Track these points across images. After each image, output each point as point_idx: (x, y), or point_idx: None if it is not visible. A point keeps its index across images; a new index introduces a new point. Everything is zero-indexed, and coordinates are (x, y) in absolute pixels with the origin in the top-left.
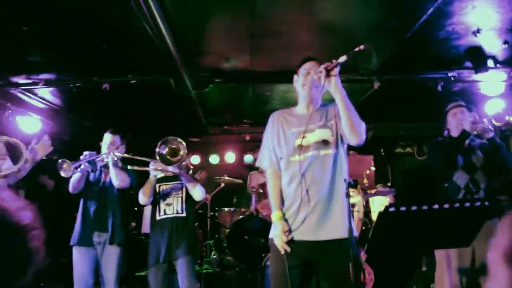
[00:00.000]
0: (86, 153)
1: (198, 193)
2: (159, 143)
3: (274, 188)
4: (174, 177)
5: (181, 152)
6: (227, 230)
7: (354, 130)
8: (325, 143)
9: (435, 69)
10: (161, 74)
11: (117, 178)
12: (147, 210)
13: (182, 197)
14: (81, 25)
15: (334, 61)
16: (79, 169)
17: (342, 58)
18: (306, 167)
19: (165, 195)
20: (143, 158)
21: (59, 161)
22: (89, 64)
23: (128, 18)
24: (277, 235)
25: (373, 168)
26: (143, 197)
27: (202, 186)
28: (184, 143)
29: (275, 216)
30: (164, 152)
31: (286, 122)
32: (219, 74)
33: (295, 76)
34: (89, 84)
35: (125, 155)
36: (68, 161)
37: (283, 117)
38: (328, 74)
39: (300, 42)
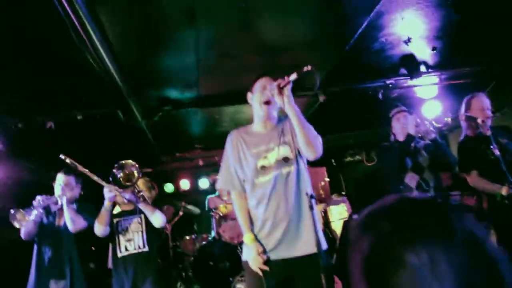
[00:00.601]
0: (39, 198)
1: (157, 219)
2: (116, 166)
3: (241, 210)
4: (132, 211)
5: (134, 179)
6: (191, 258)
7: (310, 145)
8: (286, 160)
9: (375, 79)
10: (108, 107)
11: (72, 223)
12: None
13: (142, 231)
14: (20, 61)
15: (286, 78)
16: (32, 217)
17: (293, 76)
18: (272, 187)
19: (124, 231)
20: (96, 178)
21: (11, 212)
22: (30, 102)
23: (71, 51)
24: (253, 258)
25: (327, 179)
26: (99, 226)
27: (166, 221)
28: (138, 168)
29: (247, 238)
30: (119, 176)
31: (245, 142)
32: (167, 102)
33: (249, 94)
34: (31, 124)
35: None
36: (21, 210)
37: (242, 137)
38: (280, 91)
39: (246, 64)
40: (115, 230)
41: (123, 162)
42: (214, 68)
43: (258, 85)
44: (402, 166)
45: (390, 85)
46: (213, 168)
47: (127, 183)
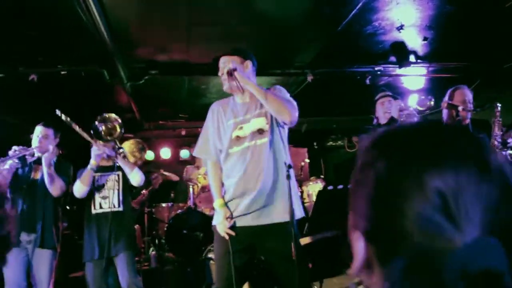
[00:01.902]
0: (15, 147)
1: (136, 177)
2: (98, 119)
3: (214, 178)
4: (109, 167)
5: (116, 134)
6: (166, 225)
7: (280, 112)
8: (260, 132)
9: (364, 63)
10: (94, 64)
11: (53, 186)
12: None
13: (119, 190)
14: (4, 8)
15: (231, 65)
16: (7, 166)
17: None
18: (244, 157)
19: (100, 187)
20: (86, 136)
21: None
22: (13, 53)
23: (59, 1)
24: (220, 222)
25: (307, 161)
26: (81, 186)
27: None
28: (121, 123)
29: (217, 203)
30: (101, 129)
31: (224, 113)
32: (155, 66)
33: None
34: (13, 75)
35: (76, 127)
36: None
37: (222, 108)
38: (230, 76)
39: (237, 33)
40: (91, 186)
41: (106, 115)
42: (204, 35)
43: (219, 68)
44: None
45: (379, 72)
46: (195, 139)
47: (108, 137)
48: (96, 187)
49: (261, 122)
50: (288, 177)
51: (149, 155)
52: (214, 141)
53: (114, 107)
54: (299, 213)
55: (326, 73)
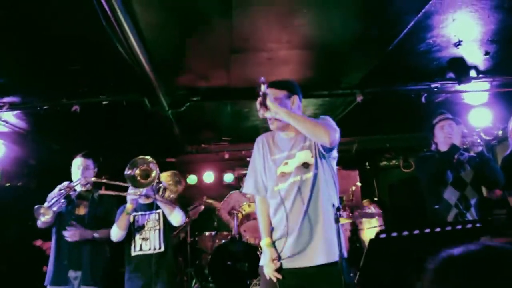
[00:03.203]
0: (60, 187)
1: (176, 217)
2: (128, 166)
3: (262, 214)
4: (149, 206)
5: (153, 174)
6: (209, 256)
7: (316, 133)
8: (305, 166)
9: (418, 81)
10: (135, 93)
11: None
12: None
13: (159, 230)
14: (49, 44)
15: (260, 92)
16: (55, 208)
17: (263, 87)
18: (289, 194)
19: (140, 228)
20: (118, 183)
21: (35, 208)
22: (57, 85)
23: (99, 37)
24: (266, 263)
25: (359, 184)
26: (118, 230)
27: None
28: (154, 162)
29: (264, 242)
30: (134, 174)
31: (269, 148)
32: (196, 92)
33: None
34: (57, 107)
35: (104, 180)
36: (44, 206)
37: (267, 142)
38: (264, 107)
39: (280, 57)
40: (131, 226)
41: (135, 159)
42: (246, 60)
43: None
44: (442, 179)
45: (435, 89)
46: (239, 162)
47: (146, 180)
48: (136, 228)
49: (306, 156)
50: (337, 220)
51: (192, 179)
52: (262, 175)
53: (156, 133)
54: (344, 255)
55: (377, 93)
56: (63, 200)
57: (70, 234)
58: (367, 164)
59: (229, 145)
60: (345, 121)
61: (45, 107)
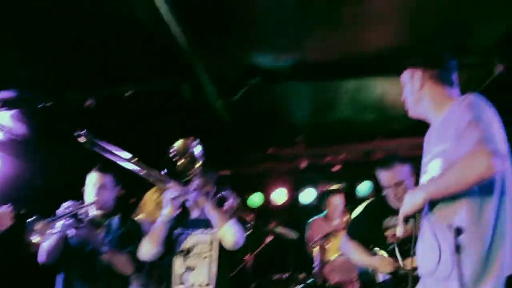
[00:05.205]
0: (66, 204)
1: (231, 234)
2: (169, 153)
3: None
4: (197, 222)
5: (198, 163)
6: None
7: None
8: None
9: None
10: (168, 79)
11: (113, 265)
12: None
13: (211, 258)
14: (49, 17)
15: None
16: (56, 229)
17: None
18: None
19: (184, 252)
20: (153, 175)
21: (29, 221)
22: (64, 73)
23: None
24: None
25: None
26: (150, 246)
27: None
28: (200, 148)
29: None
30: (177, 164)
31: None
32: (255, 72)
33: None
34: (64, 102)
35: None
36: (43, 220)
37: None
38: None
39: (376, 16)
40: (171, 247)
41: (178, 144)
42: (328, 22)
43: None
44: None
45: None
46: (321, 173)
47: (188, 174)
48: (178, 252)
49: None
50: None
51: (255, 200)
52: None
53: (201, 135)
54: None
55: None
56: (69, 221)
57: (76, 233)
58: None
59: (307, 149)
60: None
61: (48, 103)
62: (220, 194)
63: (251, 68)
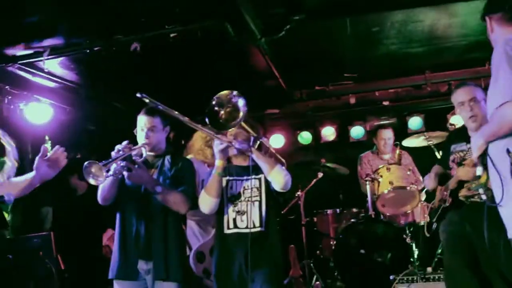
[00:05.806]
0: (119, 147)
1: (279, 177)
2: (212, 103)
3: None
4: (245, 169)
5: (241, 114)
6: (333, 243)
7: None
8: None
9: None
10: (212, 19)
11: (167, 203)
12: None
13: (260, 201)
14: None
15: None
16: (111, 172)
17: None
18: None
19: (234, 198)
20: (199, 127)
21: (85, 164)
22: (108, 18)
23: None
24: None
25: None
26: (208, 197)
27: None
28: (242, 98)
29: None
30: (219, 115)
31: None
32: (299, 9)
33: None
34: (111, 46)
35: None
36: (97, 163)
37: None
38: None
39: None
40: (222, 194)
41: (221, 95)
42: None
43: None
44: None
45: None
46: (371, 108)
47: (231, 124)
48: (229, 198)
49: None
50: None
51: (305, 137)
52: None
53: (247, 74)
54: None
55: None
56: (122, 163)
57: (129, 175)
58: None
59: (355, 85)
60: None
61: (95, 48)
62: (259, 140)
63: (295, 5)
